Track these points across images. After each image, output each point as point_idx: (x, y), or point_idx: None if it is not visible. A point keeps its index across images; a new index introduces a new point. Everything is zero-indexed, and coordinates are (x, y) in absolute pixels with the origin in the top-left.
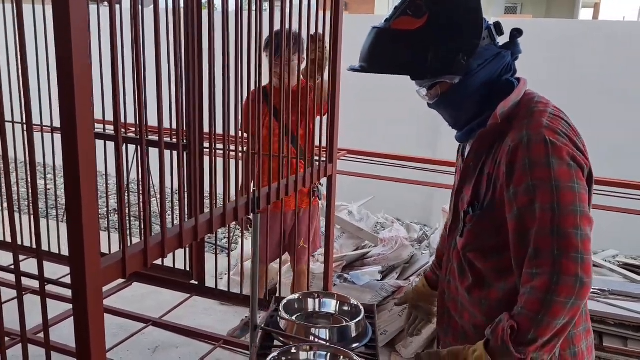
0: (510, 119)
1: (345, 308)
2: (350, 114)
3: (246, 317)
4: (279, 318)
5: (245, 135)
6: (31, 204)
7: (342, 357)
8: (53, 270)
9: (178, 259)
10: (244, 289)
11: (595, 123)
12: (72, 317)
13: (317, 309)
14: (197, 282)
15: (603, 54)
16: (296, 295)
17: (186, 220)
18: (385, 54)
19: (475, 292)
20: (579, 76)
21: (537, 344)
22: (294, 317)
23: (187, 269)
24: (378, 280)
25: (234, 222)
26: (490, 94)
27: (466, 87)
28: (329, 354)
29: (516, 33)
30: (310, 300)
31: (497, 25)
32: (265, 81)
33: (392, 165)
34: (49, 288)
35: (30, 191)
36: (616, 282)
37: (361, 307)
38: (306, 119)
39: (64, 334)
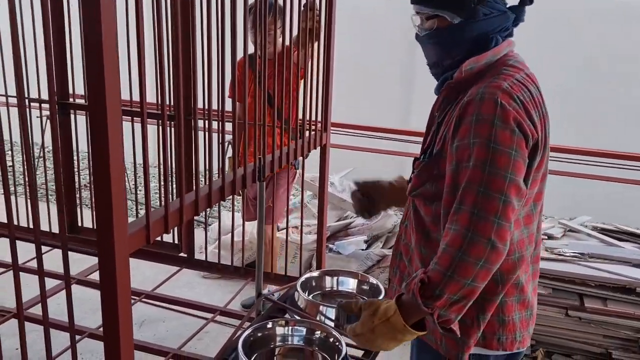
0: (480, 75)
1: (365, 287)
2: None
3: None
4: (296, 294)
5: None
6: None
7: (320, 332)
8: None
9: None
10: (230, 261)
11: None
12: (63, 292)
13: (336, 288)
14: (186, 255)
15: None
16: (315, 273)
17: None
18: None
19: (418, 238)
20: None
21: (443, 299)
22: (310, 296)
23: (176, 242)
24: (363, 250)
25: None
26: (478, 46)
27: (463, 32)
28: (306, 330)
29: (527, 0)
30: (328, 279)
31: None
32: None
33: (373, 137)
34: (32, 264)
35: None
36: (594, 245)
37: (381, 287)
38: (290, 91)
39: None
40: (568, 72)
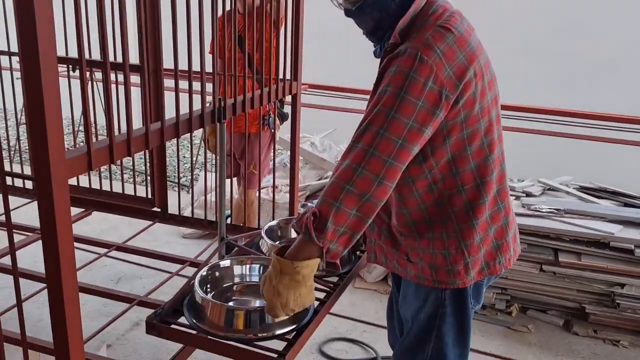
0: (408, 32)
1: None
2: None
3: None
4: (261, 241)
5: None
6: None
7: None
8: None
9: (139, 189)
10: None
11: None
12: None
13: None
14: (159, 210)
15: None
16: (275, 222)
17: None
18: None
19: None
20: None
21: (332, 231)
22: (276, 242)
23: (149, 196)
24: None
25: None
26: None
27: None
28: (261, 267)
29: None
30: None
31: None
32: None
33: (355, 99)
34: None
35: None
36: (571, 202)
37: None
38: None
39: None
40: (545, 31)
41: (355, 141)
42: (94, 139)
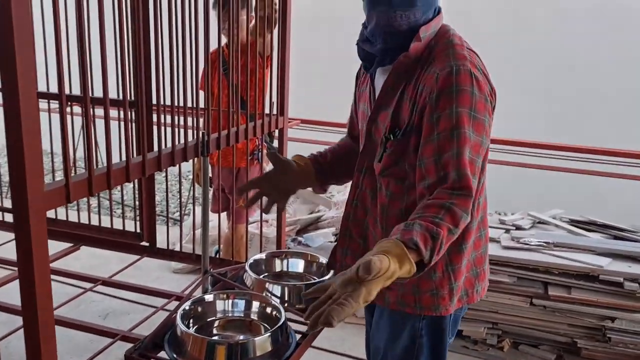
0: (429, 47)
1: (314, 268)
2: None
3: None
4: (245, 274)
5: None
6: None
7: (259, 303)
8: None
9: (128, 224)
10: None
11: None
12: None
13: (285, 269)
14: (148, 244)
15: None
16: (264, 255)
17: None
18: None
19: (377, 216)
20: None
21: (440, 253)
22: (261, 276)
23: (138, 231)
24: (331, 242)
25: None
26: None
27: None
28: (245, 302)
29: None
30: (277, 261)
31: None
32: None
33: (343, 133)
34: None
35: None
36: (560, 235)
37: None
38: (255, 78)
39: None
40: (537, 71)
41: (457, 170)
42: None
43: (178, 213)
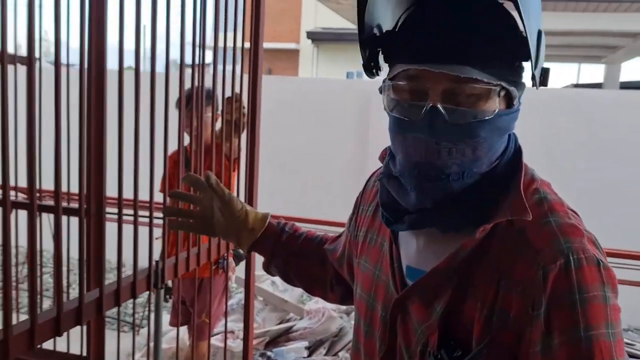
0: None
1: None
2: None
3: None
4: None
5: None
6: None
7: None
8: None
9: (73, 343)
10: None
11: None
12: None
13: None
14: None
15: None
16: None
17: (67, 301)
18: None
19: None
20: None
21: None
22: None
23: (84, 353)
24: (305, 358)
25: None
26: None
27: (512, 120)
28: None
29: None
30: None
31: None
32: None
33: (324, 231)
34: None
35: None
36: None
37: None
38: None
39: None
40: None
41: None
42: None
43: (131, 315)
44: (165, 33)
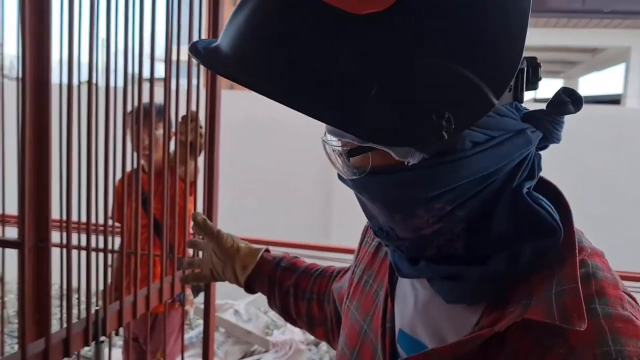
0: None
1: None
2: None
3: None
4: None
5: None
6: None
7: None
8: None
9: None
10: None
11: None
12: None
13: None
14: None
15: None
16: None
17: None
18: (279, 52)
19: None
20: None
21: None
22: None
23: None
24: None
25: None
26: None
27: (438, 184)
28: None
29: (568, 98)
30: None
31: (533, 65)
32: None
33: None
34: None
35: None
36: None
37: None
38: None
39: None
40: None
41: None
42: None
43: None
44: (106, 41)
